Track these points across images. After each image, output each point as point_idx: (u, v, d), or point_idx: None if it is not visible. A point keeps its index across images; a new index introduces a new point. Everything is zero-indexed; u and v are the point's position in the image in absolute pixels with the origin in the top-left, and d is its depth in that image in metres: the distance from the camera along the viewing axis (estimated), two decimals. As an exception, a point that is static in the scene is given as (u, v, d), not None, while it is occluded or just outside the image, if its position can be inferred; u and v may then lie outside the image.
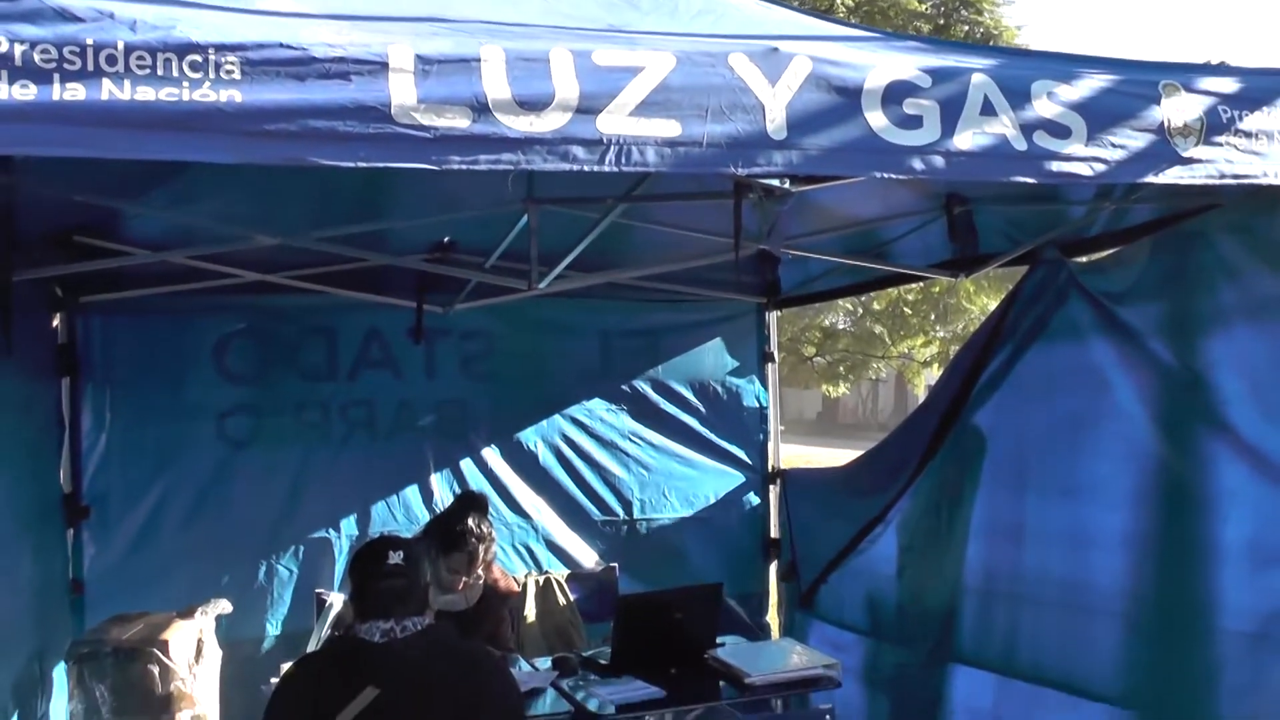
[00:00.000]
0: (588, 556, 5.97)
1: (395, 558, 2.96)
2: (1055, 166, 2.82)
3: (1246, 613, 3.46)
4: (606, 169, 2.38)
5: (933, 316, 19.04)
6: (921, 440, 4.87)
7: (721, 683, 4.19)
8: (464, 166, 2.26)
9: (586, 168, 2.36)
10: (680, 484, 6.18)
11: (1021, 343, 4.44)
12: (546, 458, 5.99)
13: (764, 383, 6.37)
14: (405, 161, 2.24)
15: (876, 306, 19.93)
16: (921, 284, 17.15)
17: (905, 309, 19.20)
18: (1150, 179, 3.01)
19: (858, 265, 5.25)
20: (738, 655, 4.30)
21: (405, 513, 5.64)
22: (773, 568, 6.30)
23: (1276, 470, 3.38)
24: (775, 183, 2.86)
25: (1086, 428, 4.10)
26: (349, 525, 5.54)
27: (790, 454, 6.57)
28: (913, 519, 4.98)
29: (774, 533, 6.29)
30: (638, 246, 5.23)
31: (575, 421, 6.05)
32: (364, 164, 2.19)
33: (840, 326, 22.17)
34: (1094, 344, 4.07)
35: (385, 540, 3.09)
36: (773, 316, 6.44)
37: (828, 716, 3.21)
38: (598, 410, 6.09)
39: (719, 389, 6.27)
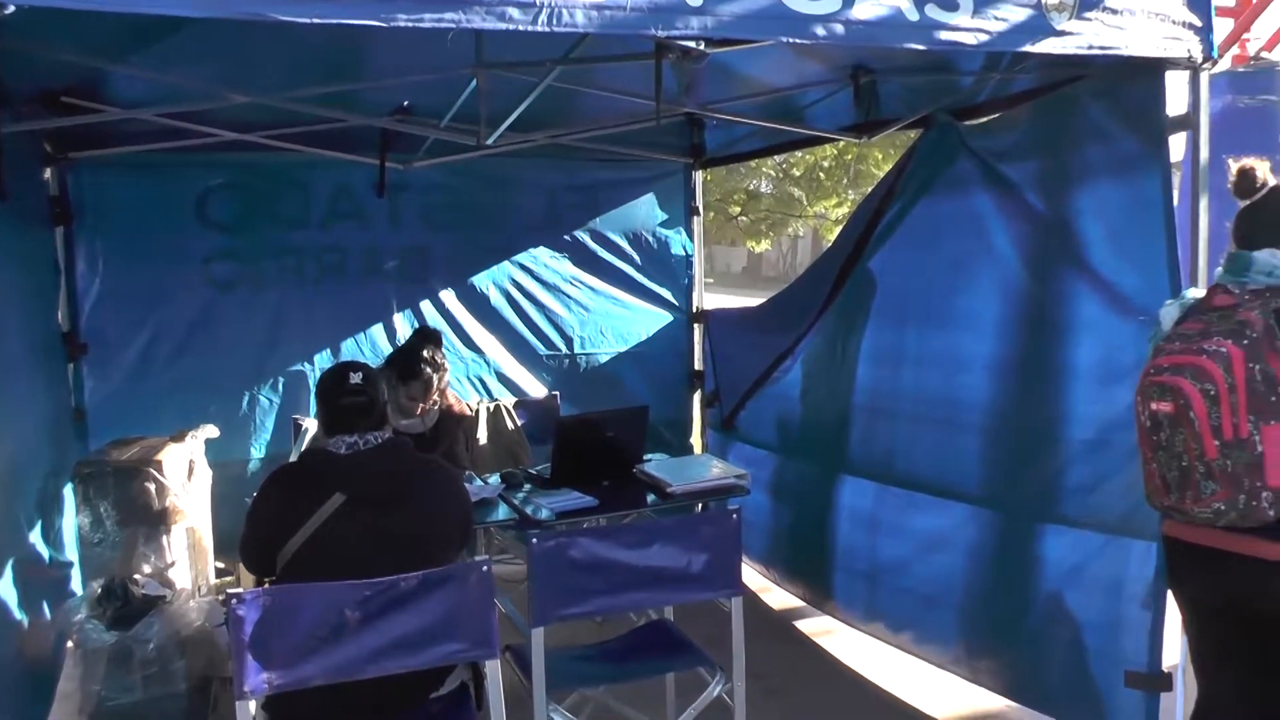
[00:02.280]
0: (534, 387, 6.08)
1: (355, 378, 3.00)
2: (944, 35, 2.83)
3: (1090, 423, 3.57)
4: (539, 29, 2.35)
5: (845, 181, 18.99)
6: (825, 283, 4.94)
7: (648, 494, 4.29)
8: (410, 24, 2.23)
9: (521, 27, 2.33)
10: (616, 323, 6.31)
11: (913, 196, 4.46)
12: (497, 299, 6.07)
13: (690, 234, 6.45)
14: (357, 18, 2.21)
15: (796, 172, 19.86)
16: (836, 152, 17.14)
17: (821, 174, 19.12)
18: (1028, 48, 3.02)
19: (774, 128, 5.28)
20: (662, 469, 4.41)
21: (372, 348, 5.71)
22: (697, 396, 6.46)
23: (1125, 303, 3.46)
24: (692, 45, 2.84)
25: (965, 268, 4.16)
26: (323, 359, 5.61)
27: (720, 303, 6.68)
28: (816, 351, 5.08)
29: (698, 365, 6.43)
30: (580, 110, 5.19)
31: (523, 267, 6.13)
32: (318, 20, 2.15)
33: (763, 189, 22.09)
34: (977, 196, 4.11)
35: (346, 364, 3.12)
36: (698, 175, 6.48)
37: (734, 515, 3.29)
38: (543, 257, 6.17)
39: (650, 239, 6.34)
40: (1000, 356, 4.00)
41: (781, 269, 36.96)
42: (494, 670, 2.86)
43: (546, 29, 2.37)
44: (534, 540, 3.09)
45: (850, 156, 17.50)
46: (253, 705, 2.65)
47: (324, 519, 2.84)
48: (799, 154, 17.78)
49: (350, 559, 2.79)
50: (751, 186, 21.73)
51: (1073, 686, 3.72)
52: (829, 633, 5.00)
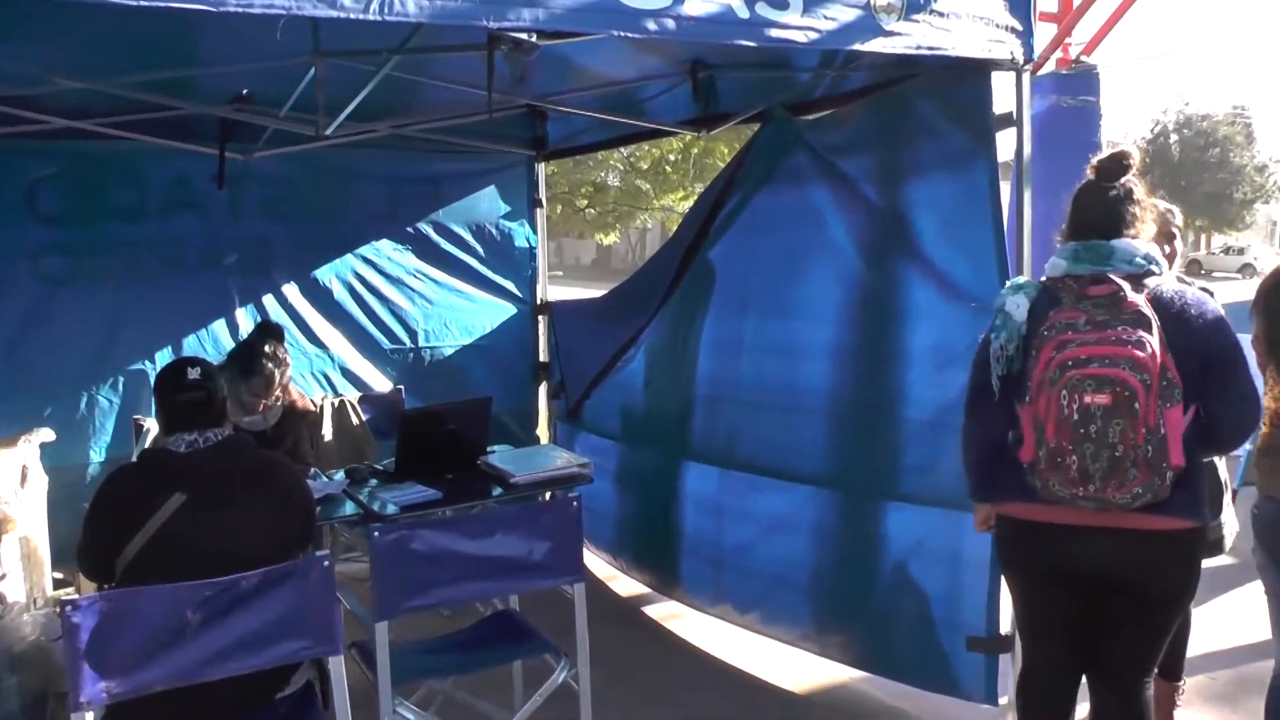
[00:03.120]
0: (379, 381, 6.00)
1: (193, 374, 2.93)
2: (774, 33, 2.91)
3: (927, 405, 3.73)
4: (371, 17, 2.33)
5: (691, 174, 19.25)
6: (667, 274, 5.00)
7: (493, 485, 4.28)
8: (239, 9, 2.18)
9: (353, 15, 2.32)
10: (460, 315, 6.26)
11: (752, 188, 4.56)
12: (341, 293, 5.95)
13: (533, 226, 6.45)
14: (185, 2, 2.14)
15: (643, 165, 20.04)
16: (682, 145, 17.34)
17: (668, 167, 19.36)
18: (857, 47, 3.13)
19: (615, 121, 5.30)
20: (506, 460, 4.41)
21: (214, 344, 5.51)
22: (543, 388, 6.46)
23: (957, 290, 3.63)
24: (524, 37, 2.85)
25: (803, 258, 4.28)
26: (163, 357, 5.36)
27: (570, 295, 6.70)
28: (658, 340, 5.13)
29: (543, 357, 6.44)
30: (422, 101, 5.12)
31: (366, 260, 6.02)
32: (144, 2, 2.08)
33: (611, 182, 22.21)
34: (813, 189, 4.23)
35: (183, 360, 3.04)
36: (541, 168, 6.47)
37: (575, 503, 3.33)
38: (386, 250, 6.07)
39: (494, 231, 6.32)
40: (839, 343, 4.12)
41: (630, 261, 37.22)
42: (338, 667, 2.82)
43: (378, 17, 2.35)
44: (375, 533, 3.06)
45: (696, 150, 17.74)
46: (90, 717, 2.55)
47: (163, 520, 2.76)
48: (646, 147, 17.95)
49: (191, 560, 2.71)
50: (599, 179, 21.84)
51: (919, 654, 3.91)
52: (677, 617, 5.08)
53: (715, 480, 4.71)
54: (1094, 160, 2.88)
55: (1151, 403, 2.47)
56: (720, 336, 4.72)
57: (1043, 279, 2.84)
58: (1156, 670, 3.75)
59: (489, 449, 4.57)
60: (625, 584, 5.54)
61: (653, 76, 4.87)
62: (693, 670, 4.53)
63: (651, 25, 2.71)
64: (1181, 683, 3.91)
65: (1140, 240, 2.77)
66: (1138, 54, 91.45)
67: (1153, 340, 2.51)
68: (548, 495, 4.36)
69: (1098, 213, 2.80)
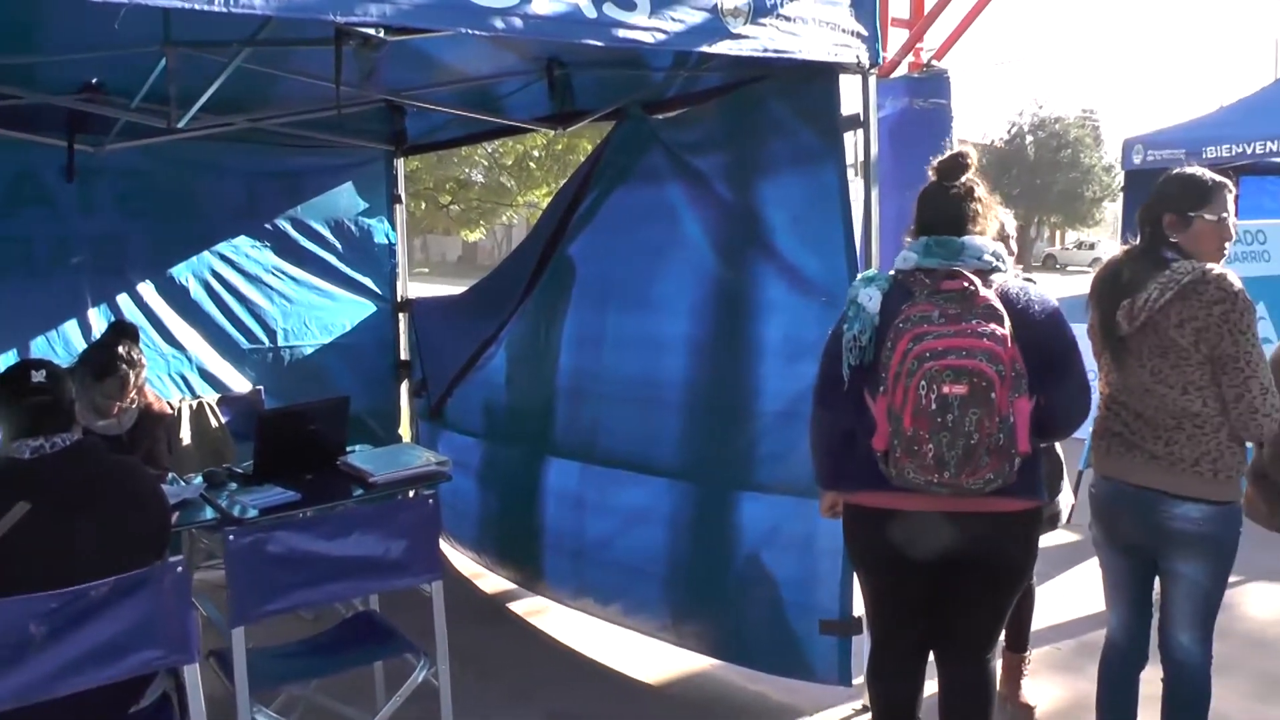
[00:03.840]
0: (238, 382, 5.84)
1: (38, 376, 2.81)
2: (621, 33, 2.95)
3: (779, 396, 3.82)
4: (217, 9, 2.29)
5: (555, 170, 19.23)
6: (526, 270, 5.00)
7: (352, 485, 4.23)
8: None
9: (199, 5, 2.27)
10: (320, 314, 6.14)
11: (609, 185, 4.60)
12: (197, 292, 5.78)
13: (393, 223, 6.36)
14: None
15: (507, 161, 19.95)
16: (545, 141, 17.31)
17: (531, 163, 19.32)
18: (704, 48, 3.19)
19: (473, 117, 5.27)
20: (365, 459, 4.37)
21: (65, 346, 5.28)
22: (404, 386, 6.38)
23: (808, 284, 3.73)
24: (372, 32, 2.83)
25: (660, 254, 4.33)
26: (8, 360, 5.09)
27: (435, 292, 6.64)
28: (519, 336, 5.13)
29: (404, 355, 6.36)
30: (278, 95, 5.02)
31: (224, 258, 5.86)
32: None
33: (476, 178, 22.05)
34: (669, 186, 4.29)
35: (28, 362, 2.91)
36: (400, 163, 6.38)
37: (431, 500, 3.32)
38: (244, 247, 5.92)
39: (353, 228, 6.22)
40: (694, 337, 4.20)
41: (496, 258, 36.96)
42: (194, 676, 2.75)
43: (224, 9, 2.31)
44: (230, 537, 3.00)
45: (560, 146, 17.74)
46: (-78, 744, 2.45)
47: (7, 530, 2.64)
48: (510, 143, 17.87)
49: (37, 571, 2.61)
50: (463, 175, 21.66)
51: (774, 639, 4.00)
52: (541, 612, 5.09)
53: (576, 475, 4.74)
54: (934, 161, 2.98)
55: (1004, 393, 2.57)
56: (580, 332, 4.75)
57: (893, 272, 2.91)
58: (1003, 643, 3.97)
59: (349, 449, 4.52)
60: (490, 581, 5.53)
61: (510, 73, 4.88)
62: (556, 665, 4.55)
63: (499, 23, 2.72)
64: (1028, 654, 4.11)
65: (986, 238, 2.89)
66: (994, 59, 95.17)
67: (1005, 333, 2.62)
68: (411, 494, 4.33)
69: (941, 210, 2.90)
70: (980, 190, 2.94)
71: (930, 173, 2.98)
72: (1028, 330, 2.70)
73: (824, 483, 3.15)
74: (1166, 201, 3.03)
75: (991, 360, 2.57)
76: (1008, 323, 2.64)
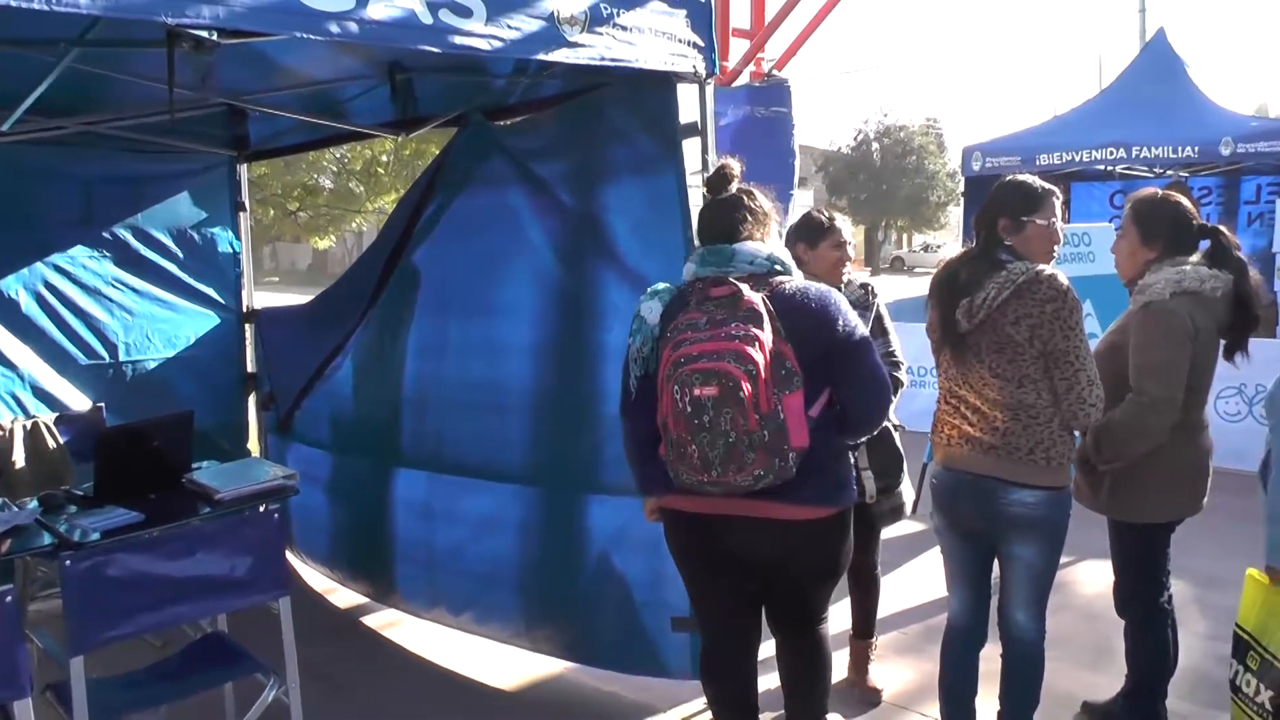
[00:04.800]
0: (77, 399, 5.52)
1: None
2: (458, 40, 2.93)
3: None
4: (37, 7, 2.19)
5: (403, 176, 18.96)
6: (372, 277, 4.91)
7: (199, 503, 4.08)
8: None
9: (15, 2, 2.16)
10: (163, 326, 5.85)
11: (452, 192, 4.56)
12: (29, 305, 5.40)
13: (237, 231, 6.13)
14: None
15: (355, 167, 19.59)
16: (393, 146, 17.04)
17: (379, 169, 19.00)
18: (541, 56, 3.20)
19: (317, 122, 5.16)
20: (211, 476, 4.22)
21: (-118, 368, 4.92)
22: (252, 399, 6.18)
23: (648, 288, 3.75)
24: (205, 34, 2.74)
25: (503, 261, 4.32)
26: None
27: (285, 302, 6.42)
28: (366, 345, 5.03)
29: (251, 367, 6.15)
30: (115, 97, 4.80)
31: (58, 269, 5.50)
32: None
33: (324, 183, 21.58)
34: (511, 193, 4.27)
35: None
36: (244, 169, 6.17)
37: (275, 515, 3.24)
38: (81, 257, 5.58)
39: (196, 236, 5.96)
40: (539, 342, 4.20)
41: (347, 265, 36.04)
42: (25, 713, 2.63)
43: (46, 7, 2.22)
44: (67, 562, 2.88)
45: (408, 152, 17.50)
46: None
47: None
48: (358, 148, 17.56)
49: None
50: (311, 181, 21.19)
51: (627, 638, 4.04)
52: (395, 625, 5.01)
53: (424, 484, 4.68)
54: (704, 178, 3.14)
55: (763, 390, 2.64)
56: (426, 340, 4.70)
57: (681, 284, 3.01)
58: (852, 632, 4.08)
59: (195, 466, 4.36)
60: (343, 596, 5.41)
61: (352, 77, 4.79)
62: (410, 678, 4.48)
63: (334, 28, 2.68)
64: (874, 640, 4.23)
65: (764, 243, 2.99)
66: (839, 68, 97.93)
67: (764, 334, 2.70)
68: (261, 509, 4.20)
69: (713, 222, 3.03)
70: (751, 200, 3.05)
71: (703, 188, 3.12)
72: (804, 328, 2.80)
73: (639, 488, 3.23)
74: (1001, 207, 3.18)
75: (739, 361, 2.64)
76: (768, 324, 2.73)
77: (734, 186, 3.06)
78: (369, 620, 5.14)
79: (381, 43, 2.88)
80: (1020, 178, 3.29)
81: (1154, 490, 3.43)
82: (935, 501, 3.31)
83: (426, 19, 2.82)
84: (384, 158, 18.35)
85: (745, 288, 2.80)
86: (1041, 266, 3.06)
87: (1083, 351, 3.03)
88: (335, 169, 20.36)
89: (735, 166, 3.08)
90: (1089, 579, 5.22)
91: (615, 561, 4.03)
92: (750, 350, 2.65)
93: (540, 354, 4.19)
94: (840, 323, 2.86)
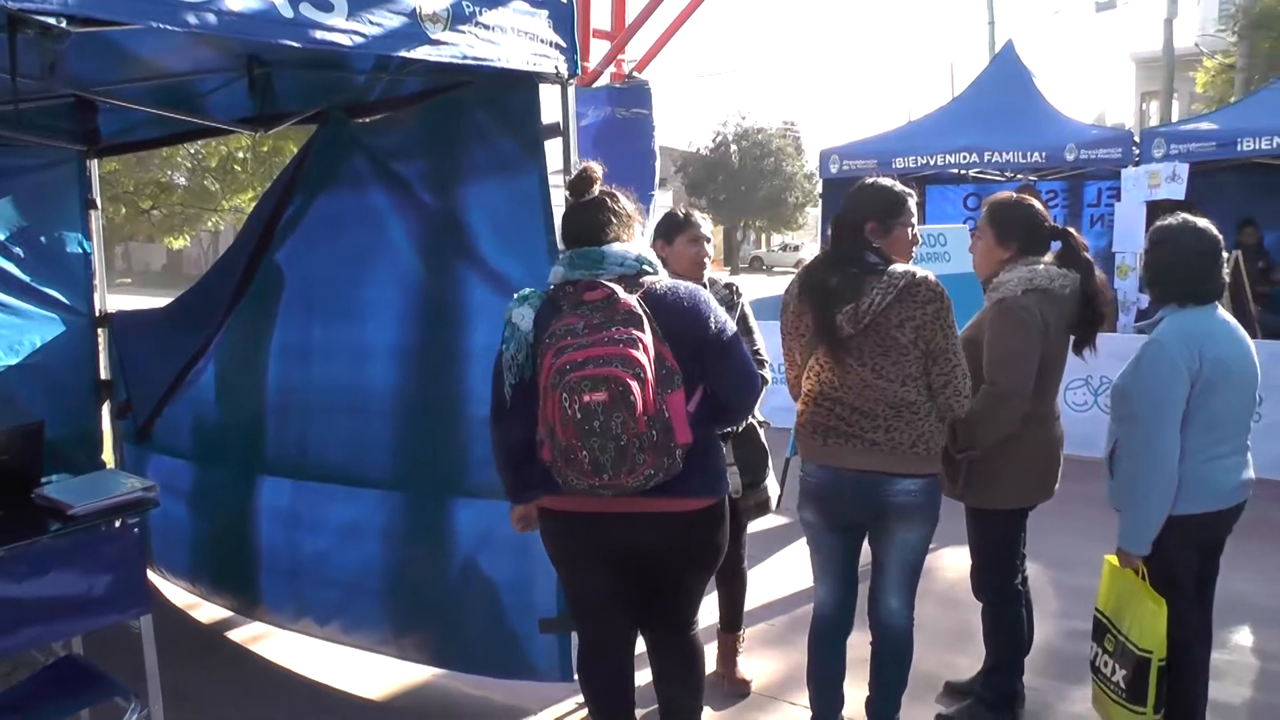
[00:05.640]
0: (-92, 416, 5.19)
1: None
2: (319, 34, 2.86)
3: (488, 401, 3.75)
4: None
5: (261, 173, 18.42)
6: (233, 278, 4.72)
7: (50, 519, 3.86)
8: None
9: None
10: (6, 332, 5.41)
11: (313, 191, 4.43)
12: None
13: (87, 230, 5.76)
14: None
15: (211, 164, 18.95)
16: (250, 143, 16.53)
17: (236, 166, 18.41)
18: (403, 53, 3.14)
19: (171, 116, 4.90)
20: (63, 490, 3.97)
21: None
22: (106, 408, 5.85)
23: (512, 290, 3.63)
24: (52, 21, 2.60)
25: (366, 262, 4.22)
26: None
27: (140, 304, 6.10)
28: (229, 349, 4.85)
29: (105, 374, 5.82)
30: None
31: (-113, 272, 5.13)
32: None
33: (178, 180, 20.82)
34: (373, 192, 4.18)
35: None
36: (94, 165, 5.82)
37: (134, 529, 3.10)
38: (-88, 261, 5.20)
39: (41, 236, 5.57)
40: (403, 345, 4.12)
41: (204, 266, 35.11)
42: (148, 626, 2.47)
43: None
44: (-98, 590, 2.69)
45: (266, 148, 16.99)
46: None
47: None
48: (214, 144, 17.00)
49: None
50: (165, 178, 20.43)
51: (496, 642, 4.00)
52: (262, 638, 4.85)
53: (289, 492, 4.54)
54: (566, 181, 3.17)
55: (649, 392, 2.68)
56: (289, 342, 4.55)
57: (549, 288, 3.01)
58: (720, 626, 4.12)
59: (45, 479, 4.12)
60: (207, 611, 5.21)
61: (209, 70, 4.60)
62: (278, 694, 4.33)
63: (191, 19, 2.58)
64: (742, 633, 4.28)
65: (631, 244, 3.03)
66: (698, 71, 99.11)
67: (645, 336, 2.73)
68: (119, 524, 4.01)
69: (579, 224, 3.05)
70: (615, 203, 3.08)
71: (565, 191, 3.14)
72: (677, 326, 2.85)
73: (509, 496, 3.22)
74: (869, 210, 3.27)
75: (626, 365, 2.66)
76: (647, 325, 2.76)
77: (597, 189, 3.08)
78: (234, 635, 4.96)
79: (241, 35, 2.78)
80: (881, 181, 3.38)
81: (1009, 478, 3.58)
82: (811, 499, 3.36)
83: (287, 12, 2.75)
84: (241, 154, 17.76)
85: (620, 290, 2.82)
86: (917, 269, 3.17)
87: (958, 347, 3.17)
88: (190, 165, 19.66)
89: (597, 169, 3.10)
90: (948, 566, 5.39)
91: (482, 565, 3.99)
92: (635, 353, 2.67)
93: (404, 357, 4.12)
94: (712, 320, 2.92)
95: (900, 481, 3.16)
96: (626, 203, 3.10)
